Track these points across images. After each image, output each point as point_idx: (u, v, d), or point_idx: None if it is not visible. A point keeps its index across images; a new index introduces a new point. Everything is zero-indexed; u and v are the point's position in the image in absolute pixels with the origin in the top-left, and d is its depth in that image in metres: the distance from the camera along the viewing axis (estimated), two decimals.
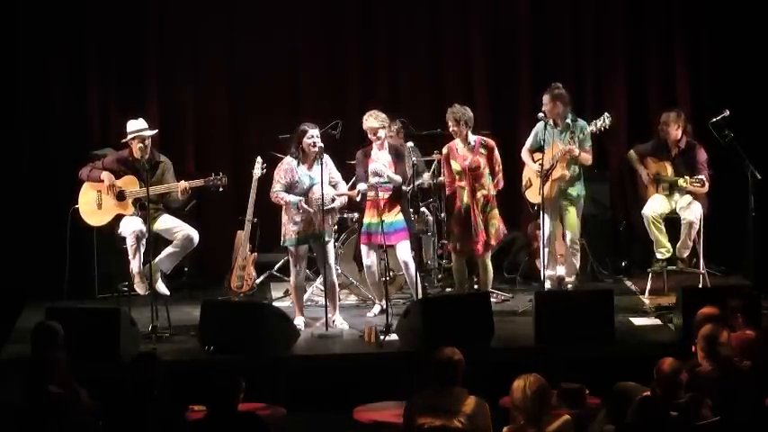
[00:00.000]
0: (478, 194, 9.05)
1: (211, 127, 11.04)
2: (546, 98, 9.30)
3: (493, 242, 9.16)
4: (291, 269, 9.04)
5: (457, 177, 9.10)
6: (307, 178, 8.82)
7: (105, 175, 8.96)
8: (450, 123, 9.07)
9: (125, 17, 10.72)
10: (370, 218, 9.01)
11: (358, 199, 9.14)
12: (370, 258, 9.10)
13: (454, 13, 11.16)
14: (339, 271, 9.53)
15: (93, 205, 9.03)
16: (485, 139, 9.14)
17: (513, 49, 11.18)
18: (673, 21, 11.12)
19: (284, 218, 8.93)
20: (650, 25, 11.16)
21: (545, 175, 9.10)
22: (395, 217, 9.02)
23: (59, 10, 10.56)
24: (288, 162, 8.93)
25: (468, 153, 9.05)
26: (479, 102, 10.99)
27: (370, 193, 8.95)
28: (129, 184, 8.95)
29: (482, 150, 9.05)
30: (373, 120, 8.98)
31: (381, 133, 9.00)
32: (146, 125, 9.02)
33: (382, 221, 8.87)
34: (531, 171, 9.43)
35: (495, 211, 9.13)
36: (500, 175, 9.12)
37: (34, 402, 6.19)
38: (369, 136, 9.04)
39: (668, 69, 11.14)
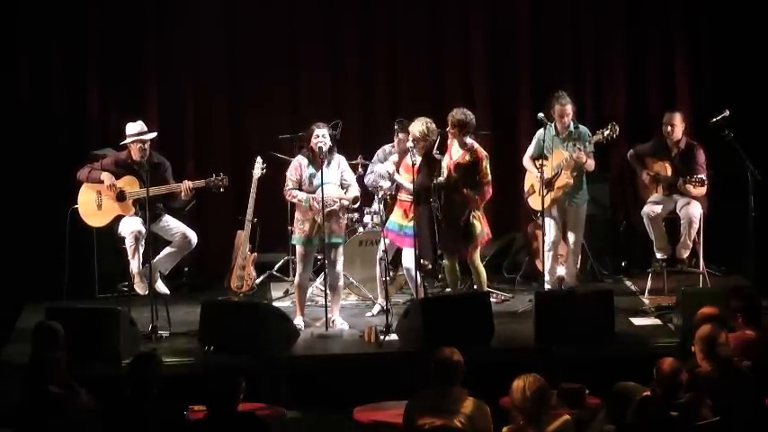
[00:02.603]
0: (453, 197, 8.97)
1: (211, 127, 11.04)
2: (557, 108, 9.27)
3: (477, 243, 9.08)
4: (297, 267, 9.03)
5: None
6: (314, 178, 8.82)
7: (105, 175, 8.96)
8: (449, 126, 9.03)
9: (125, 17, 10.72)
10: (395, 217, 9.00)
11: (355, 206, 9.14)
12: (385, 253, 9.07)
13: (454, 13, 11.16)
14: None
15: (93, 206, 9.03)
16: (477, 147, 9.01)
17: (513, 49, 11.18)
18: (673, 21, 11.12)
19: (296, 215, 8.96)
20: (650, 25, 11.16)
21: (548, 184, 9.10)
22: (406, 221, 9.01)
23: (59, 10, 10.56)
24: (298, 160, 8.96)
25: (457, 155, 9.01)
26: (479, 102, 10.99)
27: (400, 195, 8.97)
28: (130, 184, 8.95)
29: (467, 156, 8.95)
30: (423, 129, 8.88)
31: (415, 144, 8.92)
32: (145, 128, 9.01)
33: (396, 222, 8.92)
34: (533, 178, 9.41)
35: (477, 213, 9.01)
36: (488, 187, 8.96)
37: (34, 402, 6.19)
38: (412, 140, 8.92)
39: (668, 69, 11.14)
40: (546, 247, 9.25)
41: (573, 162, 9.18)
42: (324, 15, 11.08)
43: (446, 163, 9.01)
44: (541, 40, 11.16)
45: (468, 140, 9.03)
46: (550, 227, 9.28)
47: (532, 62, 11.14)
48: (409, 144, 9.22)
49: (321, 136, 8.80)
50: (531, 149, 9.46)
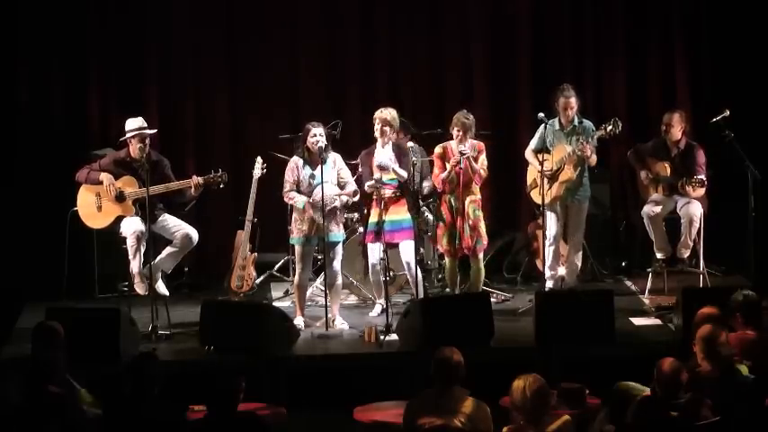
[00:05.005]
0: (467, 200, 9.03)
1: (211, 127, 11.04)
2: (562, 101, 9.26)
3: (484, 242, 9.13)
4: (296, 267, 9.04)
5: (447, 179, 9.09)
6: (312, 177, 8.82)
7: (104, 176, 8.94)
8: (455, 128, 9.02)
9: (125, 17, 10.72)
10: (375, 216, 8.99)
11: (356, 199, 9.15)
12: (375, 257, 9.08)
13: (454, 12, 11.16)
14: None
15: (93, 208, 9.01)
16: (476, 142, 9.10)
17: (513, 49, 11.18)
18: (673, 21, 11.13)
19: (294, 215, 8.97)
20: (650, 25, 11.16)
21: (551, 177, 9.10)
22: (401, 215, 9.01)
23: (60, 10, 10.56)
24: (294, 161, 8.97)
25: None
26: (479, 102, 10.99)
27: (375, 192, 8.94)
28: (129, 184, 8.94)
29: (472, 155, 9.03)
30: (387, 114, 8.97)
31: (388, 129, 8.99)
32: (145, 123, 9.01)
33: (383, 220, 8.88)
34: (536, 172, 9.40)
35: (481, 214, 9.11)
36: (482, 173, 9.04)
37: (34, 402, 6.19)
38: (376, 127, 8.99)
39: (668, 69, 11.14)
40: (547, 242, 9.25)
41: (576, 156, 9.17)
42: (324, 15, 11.08)
43: (451, 164, 9.02)
44: (542, 41, 11.16)
45: (470, 142, 9.04)
46: (552, 221, 9.28)
47: (533, 62, 11.13)
48: (410, 144, 9.21)
49: (318, 135, 8.82)
50: (533, 143, 9.44)
